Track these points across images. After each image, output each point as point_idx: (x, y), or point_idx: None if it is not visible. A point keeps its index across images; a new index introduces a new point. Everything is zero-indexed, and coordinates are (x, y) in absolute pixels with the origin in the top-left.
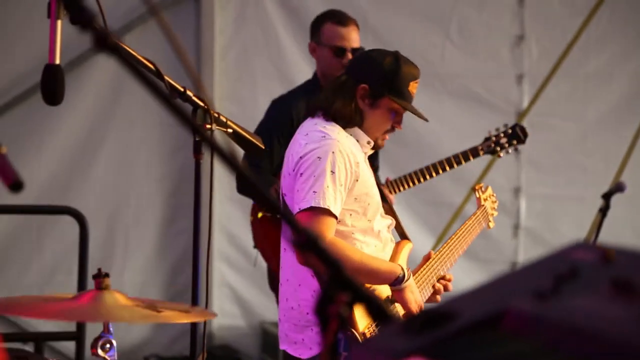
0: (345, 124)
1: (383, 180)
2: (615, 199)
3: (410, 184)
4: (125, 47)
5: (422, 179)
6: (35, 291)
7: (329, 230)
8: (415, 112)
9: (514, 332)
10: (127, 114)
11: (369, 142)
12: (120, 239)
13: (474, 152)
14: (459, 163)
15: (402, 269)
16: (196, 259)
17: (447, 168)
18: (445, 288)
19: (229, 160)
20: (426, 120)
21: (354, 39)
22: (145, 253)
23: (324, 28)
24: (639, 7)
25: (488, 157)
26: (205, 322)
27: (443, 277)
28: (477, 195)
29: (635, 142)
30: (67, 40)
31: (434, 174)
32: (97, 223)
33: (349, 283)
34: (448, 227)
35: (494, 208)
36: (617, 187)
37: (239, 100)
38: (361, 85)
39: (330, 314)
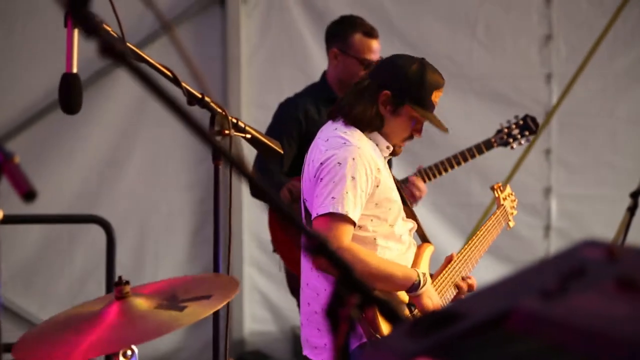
0: (365, 128)
1: (411, 172)
2: None
3: (437, 174)
4: (143, 55)
5: (444, 171)
6: (67, 300)
7: (346, 236)
8: (436, 123)
9: (521, 331)
10: (154, 123)
11: (388, 147)
12: (150, 248)
13: (488, 145)
14: (473, 156)
15: (419, 275)
16: (217, 260)
17: (462, 161)
18: (470, 288)
19: (238, 166)
20: (446, 131)
21: (379, 51)
22: (176, 261)
23: (353, 38)
24: None
25: (516, 156)
26: (227, 325)
27: (466, 278)
28: (496, 195)
29: None
30: (93, 51)
31: (448, 169)
32: (128, 232)
33: (359, 286)
34: (477, 228)
35: (514, 207)
36: None
37: (266, 107)
38: (384, 91)
39: (340, 316)
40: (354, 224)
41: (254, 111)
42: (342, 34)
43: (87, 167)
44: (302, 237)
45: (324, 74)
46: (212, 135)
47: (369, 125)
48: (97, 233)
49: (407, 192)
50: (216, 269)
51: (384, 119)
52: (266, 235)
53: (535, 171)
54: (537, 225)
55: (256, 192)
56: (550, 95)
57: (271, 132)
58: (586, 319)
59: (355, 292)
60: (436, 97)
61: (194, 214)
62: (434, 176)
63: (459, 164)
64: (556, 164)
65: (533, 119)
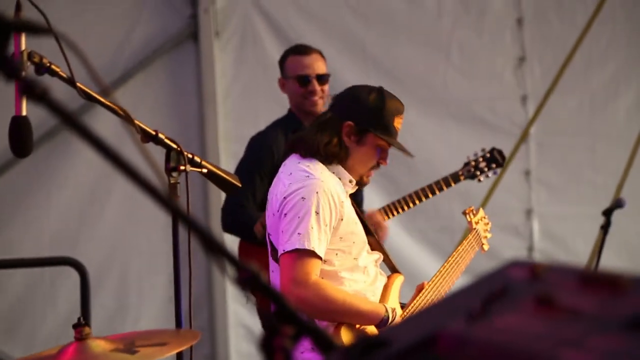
0: (330, 161)
1: (391, 200)
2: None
3: (400, 210)
4: (93, 94)
5: (407, 206)
6: (51, 343)
7: (313, 272)
8: (400, 148)
9: (447, 354)
10: (134, 158)
11: (351, 181)
12: (133, 288)
13: (455, 178)
14: (440, 189)
15: (387, 310)
16: (178, 315)
17: (430, 195)
18: None
19: (184, 217)
20: (412, 156)
21: (317, 66)
22: (159, 300)
23: (287, 61)
24: (638, 21)
25: (500, 181)
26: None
27: None
28: (469, 219)
29: (634, 156)
30: (69, 92)
31: (416, 201)
32: (110, 273)
33: (293, 316)
34: None
35: (487, 230)
36: (617, 204)
37: (244, 140)
38: (346, 122)
39: (275, 347)
40: (320, 258)
41: (231, 145)
42: (281, 63)
43: (66, 208)
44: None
45: (290, 107)
46: (153, 185)
47: (333, 157)
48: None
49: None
50: (178, 324)
51: (349, 150)
52: None
53: (516, 192)
54: (520, 247)
55: (227, 226)
56: (526, 116)
57: (244, 165)
58: (506, 338)
59: (290, 322)
60: (398, 123)
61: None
62: (398, 212)
63: (426, 197)
64: (536, 185)
65: (500, 152)
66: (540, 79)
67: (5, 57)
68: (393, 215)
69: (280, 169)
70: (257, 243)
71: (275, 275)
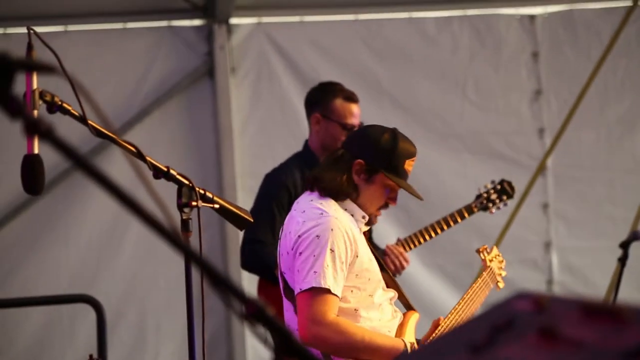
0: (341, 198)
1: (406, 233)
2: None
3: (416, 243)
4: (105, 131)
5: (423, 239)
6: None
7: (331, 310)
8: (410, 191)
9: None
10: (139, 199)
11: (363, 217)
12: (151, 324)
13: (469, 210)
14: (455, 222)
15: (405, 344)
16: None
17: (445, 227)
18: None
19: (184, 248)
20: (421, 199)
21: (359, 115)
22: (178, 335)
23: (334, 104)
24: None
25: (517, 214)
26: None
27: None
28: (483, 257)
29: None
30: (84, 132)
31: (432, 234)
32: (128, 309)
33: (299, 352)
34: None
35: (502, 268)
36: (634, 236)
37: (261, 176)
38: (357, 161)
39: None
40: (337, 296)
41: (248, 181)
42: (323, 99)
43: (84, 246)
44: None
45: (307, 142)
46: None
47: (344, 194)
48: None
49: (387, 262)
50: (191, 348)
51: (358, 188)
52: None
53: (535, 226)
54: (540, 280)
55: (247, 264)
56: (544, 149)
57: (261, 202)
58: None
59: (296, 358)
60: (409, 165)
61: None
62: (414, 245)
63: (442, 229)
64: (555, 218)
65: (509, 183)
66: (556, 112)
67: (9, 96)
68: (410, 248)
69: (294, 207)
70: (277, 282)
71: (289, 315)
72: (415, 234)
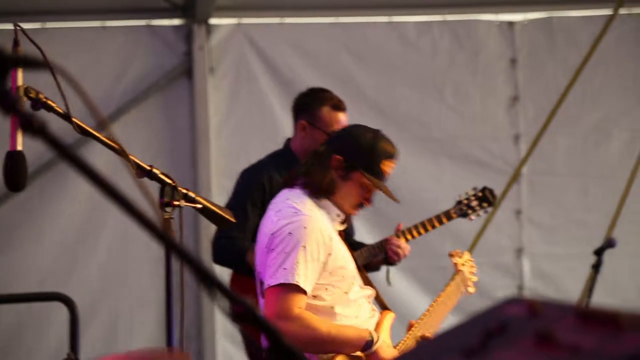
0: (318, 194)
1: (381, 235)
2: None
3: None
4: (88, 129)
5: (415, 235)
6: None
7: (296, 305)
8: (385, 192)
9: None
10: (126, 194)
11: (338, 215)
12: (123, 323)
13: (447, 215)
14: (433, 227)
15: (371, 333)
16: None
17: (422, 231)
18: None
19: (176, 247)
20: (397, 201)
21: (346, 123)
22: (149, 333)
23: (321, 111)
24: (631, 63)
25: (491, 220)
26: None
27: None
28: (454, 262)
29: (625, 197)
30: (62, 127)
31: (408, 237)
32: (100, 308)
33: (289, 351)
34: None
35: (473, 273)
36: (609, 243)
37: (236, 176)
38: (335, 156)
39: None
40: (305, 293)
41: (224, 181)
42: (311, 106)
43: (57, 243)
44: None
45: (288, 142)
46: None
47: (322, 190)
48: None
49: (389, 252)
50: (169, 342)
51: (335, 184)
52: None
53: (507, 231)
54: (510, 285)
55: (219, 258)
56: (519, 156)
57: (235, 198)
58: None
59: (286, 357)
60: (387, 166)
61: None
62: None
63: (419, 233)
64: (527, 224)
65: (491, 191)
66: (533, 119)
67: (3, 91)
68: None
69: (270, 206)
70: (250, 275)
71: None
72: (397, 234)
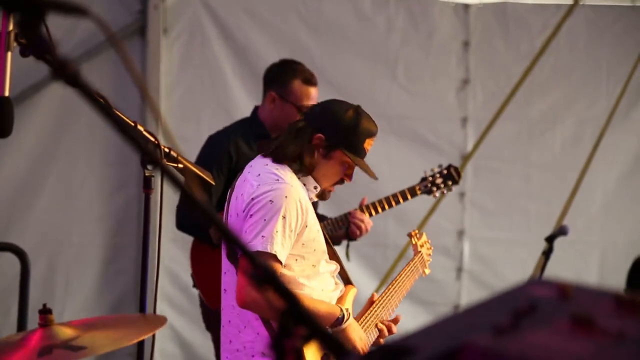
0: (297, 170)
1: (354, 206)
2: (556, 243)
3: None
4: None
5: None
6: None
7: None
8: (366, 170)
9: None
10: (69, 153)
11: (315, 187)
12: (61, 278)
13: (412, 192)
14: (397, 202)
15: (342, 310)
16: (143, 292)
17: (387, 207)
18: (389, 330)
19: (184, 190)
20: (375, 178)
21: (317, 98)
22: (86, 292)
23: (292, 85)
24: (582, 53)
25: (431, 199)
26: None
27: (391, 321)
28: (414, 242)
29: (578, 186)
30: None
31: (373, 213)
32: (38, 261)
33: (306, 318)
34: (392, 269)
35: (429, 254)
36: (561, 231)
37: (184, 139)
38: (317, 135)
39: (287, 348)
40: (281, 263)
41: (171, 143)
42: (282, 79)
43: None
44: (245, 267)
45: (256, 110)
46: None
47: (300, 166)
48: (4, 261)
49: (352, 227)
50: (142, 308)
51: (315, 162)
52: (178, 270)
53: (450, 214)
54: (450, 268)
55: (182, 225)
56: (465, 138)
57: (200, 164)
58: (539, 355)
59: (302, 324)
60: (368, 144)
61: (105, 246)
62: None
63: (383, 209)
64: (470, 207)
65: (456, 169)
66: (481, 103)
67: (38, 36)
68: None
69: (247, 170)
70: (211, 244)
71: (228, 277)
72: (361, 209)
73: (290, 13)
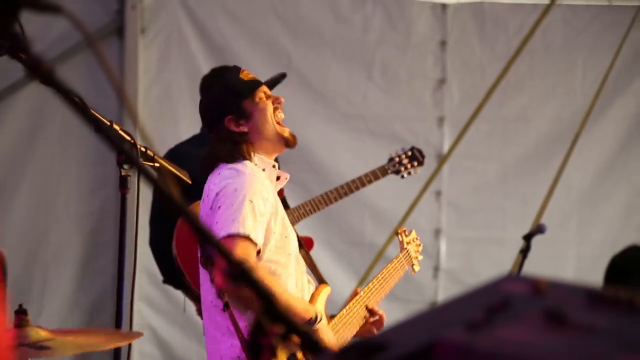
0: (246, 156)
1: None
2: (534, 241)
3: (333, 200)
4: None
5: (328, 202)
6: None
7: (250, 257)
8: (267, 82)
9: None
10: (46, 152)
11: (274, 166)
12: (38, 277)
13: (382, 171)
14: (369, 181)
15: (316, 312)
16: (120, 292)
17: (360, 187)
18: (381, 321)
19: (160, 188)
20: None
21: None
22: (63, 292)
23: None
24: (556, 53)
25: (408, 197)
26: None
27: (373, 312)
28: (400, 239)
29: (555, 185)
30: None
31: (348, 192)
32: (15, 260)
33: (281, 315)
34: (370, 269)
35: (418, 252)
36: (538, 229)
37: (162, 141)
38: (225, 118)
39: (263, 345)
40: (256, 245)
41: (147, 143)
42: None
43: None
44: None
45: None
46: (138, 160)
47: (244, 150)
48: None
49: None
50: (118, 323)
51: (247, 134)
52: (156, 269)
53: (426, 213)
54: (427, 266)
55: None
56: (441, 138)
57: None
58: (512, 349)
59: (278, 321)
60: (245, 76)
61: (83, 245)
62: (329, 201)
63: (357, 188)
64: (446, 206)
65: (419, 151)
66: (458, 102)
67: (13, 34)
68: (314, 210)
69: (208, 179)
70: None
71: (206, 286)
72: (331, 191)
73: (268, 13)
